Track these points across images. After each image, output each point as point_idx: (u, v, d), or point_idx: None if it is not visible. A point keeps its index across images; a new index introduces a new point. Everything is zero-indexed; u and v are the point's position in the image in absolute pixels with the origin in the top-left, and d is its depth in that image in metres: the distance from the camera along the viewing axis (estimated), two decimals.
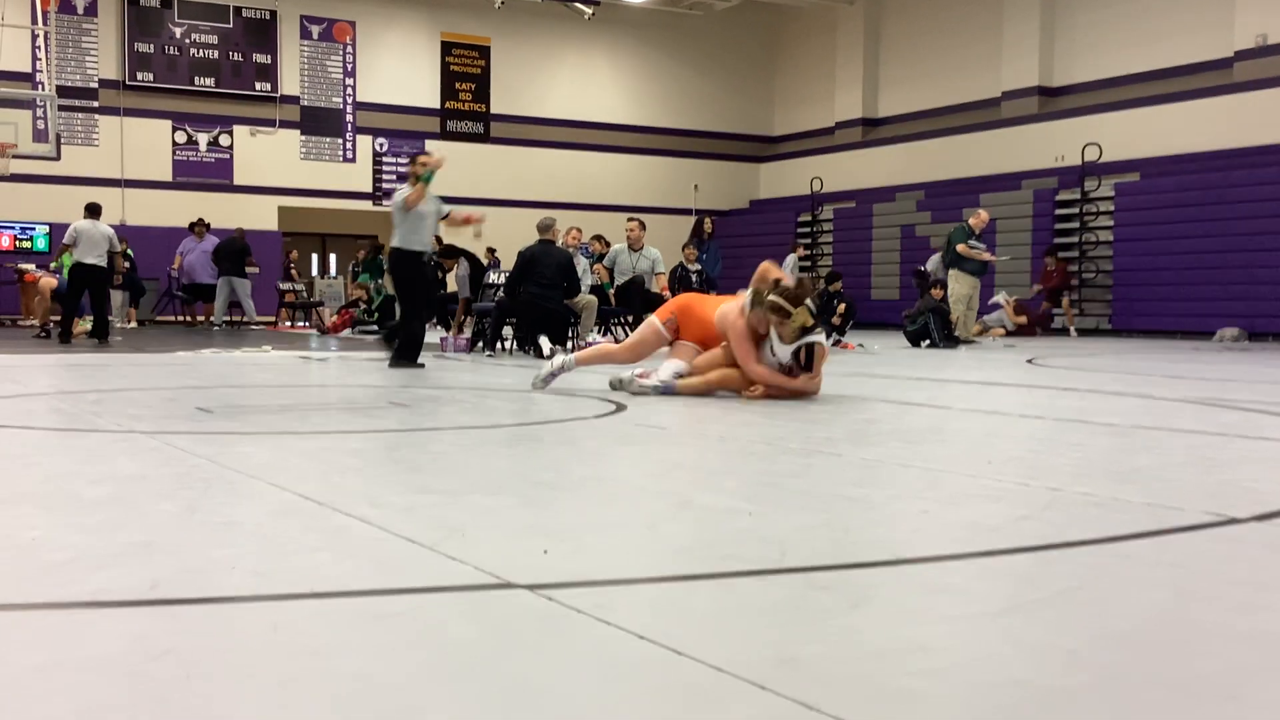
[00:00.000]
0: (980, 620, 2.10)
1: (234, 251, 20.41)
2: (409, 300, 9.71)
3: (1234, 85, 19.11)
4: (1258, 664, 1.86)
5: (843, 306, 15.13)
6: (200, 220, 21.02)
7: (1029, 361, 11.16)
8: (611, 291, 12.81)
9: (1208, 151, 19.17)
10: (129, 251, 19.82)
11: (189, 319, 21.22)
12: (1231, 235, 17.52)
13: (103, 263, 13.57)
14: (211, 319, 20.63)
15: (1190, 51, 20.10)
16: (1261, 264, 17.09)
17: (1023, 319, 18.85)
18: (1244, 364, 10.80)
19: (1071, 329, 19.13)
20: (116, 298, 19.77)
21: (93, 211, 13.82)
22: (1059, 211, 20.67)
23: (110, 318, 14.80)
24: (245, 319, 20.48)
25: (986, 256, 15.81)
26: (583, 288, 12.19)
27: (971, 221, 15.76)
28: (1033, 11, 22.35)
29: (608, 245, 14.72)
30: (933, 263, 18.14)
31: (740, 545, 2.69)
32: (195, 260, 20.67)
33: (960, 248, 15.51)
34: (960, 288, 15.41)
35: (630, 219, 13.56)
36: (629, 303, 12.76)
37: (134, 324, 19.94)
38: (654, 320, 6.99)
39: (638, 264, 13.01)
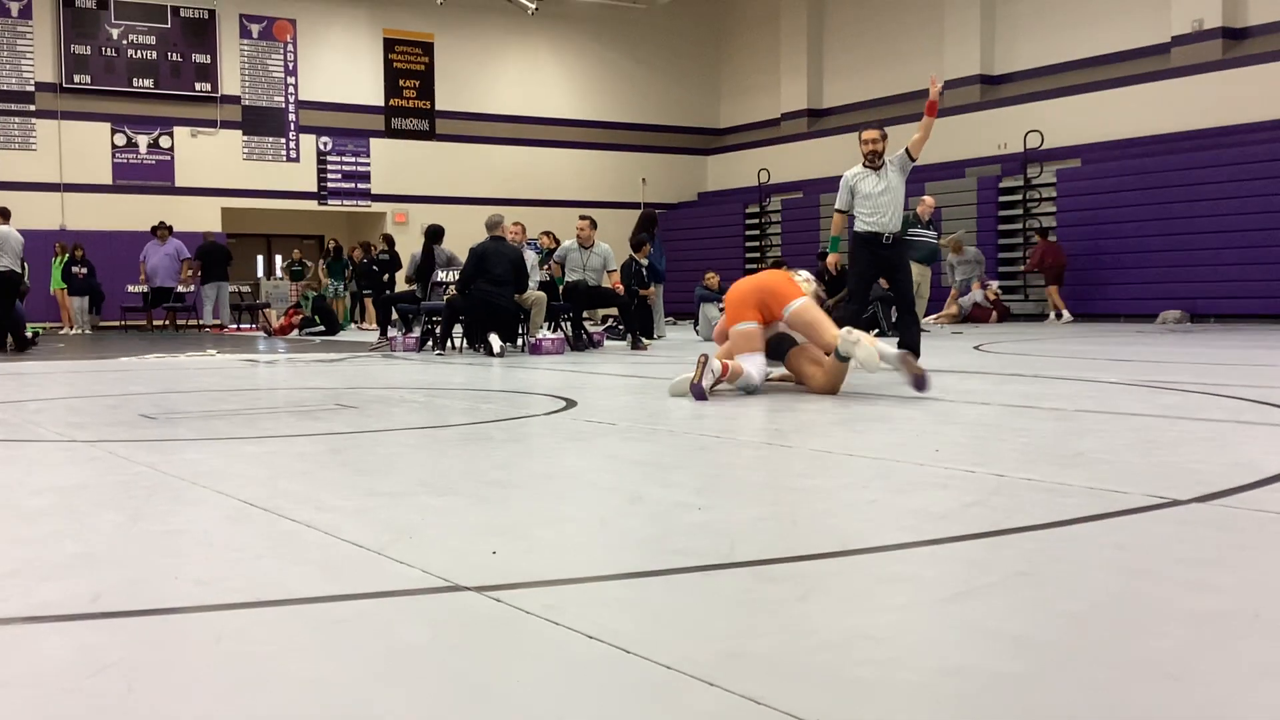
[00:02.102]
0: (929, 608, 2.11)
1: (220, 256, 20.55)
2: (855, 289, 9.09)
3: (1171, 70, 19.37)
4: (1204, 642, 1.89)
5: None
6: (162, 224, 20.90)
7: (976, 348, 11.26)
8: (561, 288, 12.77)
9: (1147, 136, 19.42)
10: (82, 256, 19.78)
11: (148, 324, 21.06)
12: (1172, 219, 17.76)
13: (18, 268, 13.46)
14: (177, 323, 20.71)
15: (1128, 38, 20.35)
16: (1201, 246, 17.34)
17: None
18: (1185, 345, 10.96)
19: (1053, 314, 18.60)
20: (74, 303, 19.74)
21: (4, 216, 13.59)
22: (1002, 199, 20.86)
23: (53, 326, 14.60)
24: (221, 323, 20.57)
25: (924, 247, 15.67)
26: (531, 283, 12.17)
27: (919, 210, 15.88)
28: None
29: (557, 241, 14.67)
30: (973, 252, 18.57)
31: (691, 539, 2.69)
32: (159, 264, 20.61)
33: None
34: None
35: (581, 217, 13.48)
36: (576, 301, 12.74)
37: (89, 330, 19.79)
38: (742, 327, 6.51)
39: (589, 261, 12.95)
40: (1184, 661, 1.79)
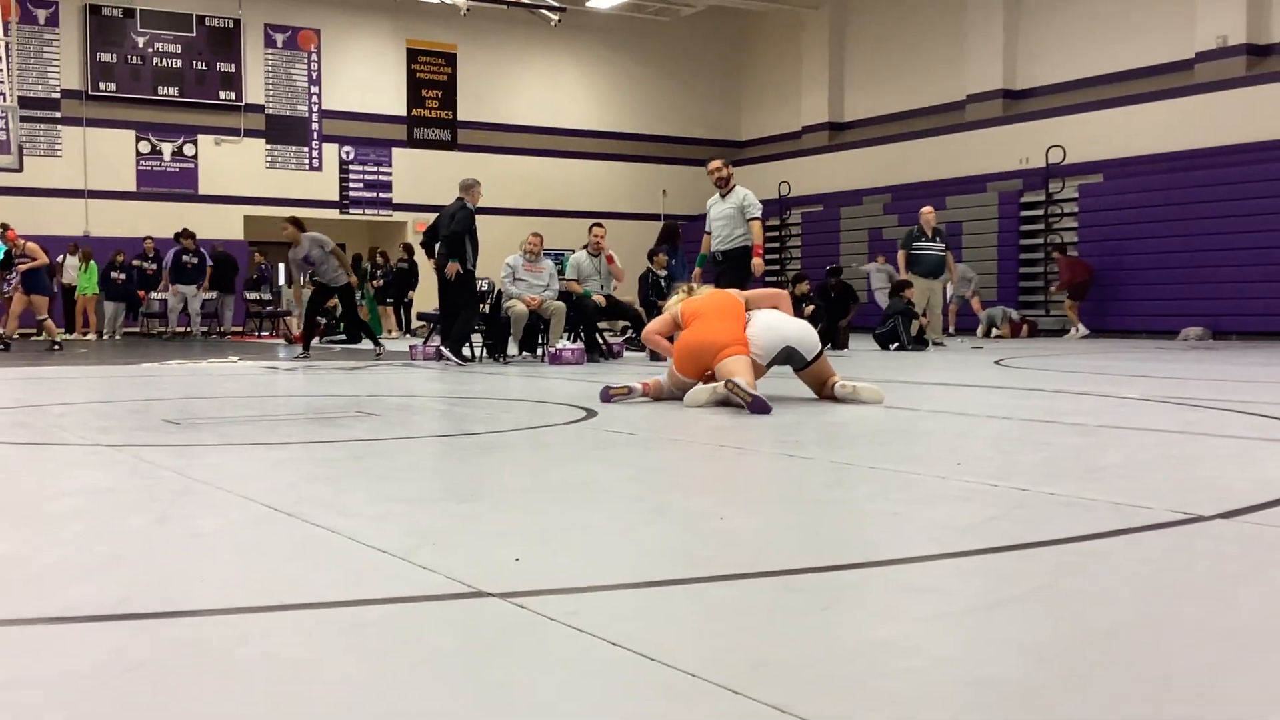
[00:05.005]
0: (953, 620, 2.11)
1: (230, 267, 20.80)
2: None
3: (1195, 86, 19.32)
4: (1228, 659, 1.88)
5: (810, 309, 14.49)
6: (185, 230, 21.05)
7: (997, 363, 11.23)
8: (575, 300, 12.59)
9: (1170, 152, 19.37)
10: (122, 263, 19.96)
11: (168, 331, 21.17)
12: (1194, 235, 17.70)
13: None
14: (200, 329, 20.91)
15: (1152, 53, 20.31)
16: (1224, 263, 17.27)
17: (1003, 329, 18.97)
18: (1208, 362, 10.91)
19: (1074, 329, 18.56)
20: (109, 308, 19.91)
21: None
22: (1024, 214, 20.83)
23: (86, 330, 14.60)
24: (222, 329, 20.69)
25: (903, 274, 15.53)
26: (550, 293, 12.17)
27: (921, 222, 15.46)
28: (996, 15, 22.53)
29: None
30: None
31: (714, 549, 2.69)
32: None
33: (900, 255, 15.46)
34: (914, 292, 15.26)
35: (597, 224, 13.38)
36: (585, 316, 12.53)
37: (119, 336, 19.95)
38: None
39: (601, 268, 12.93)
40: (1209, 678, 1.78)
